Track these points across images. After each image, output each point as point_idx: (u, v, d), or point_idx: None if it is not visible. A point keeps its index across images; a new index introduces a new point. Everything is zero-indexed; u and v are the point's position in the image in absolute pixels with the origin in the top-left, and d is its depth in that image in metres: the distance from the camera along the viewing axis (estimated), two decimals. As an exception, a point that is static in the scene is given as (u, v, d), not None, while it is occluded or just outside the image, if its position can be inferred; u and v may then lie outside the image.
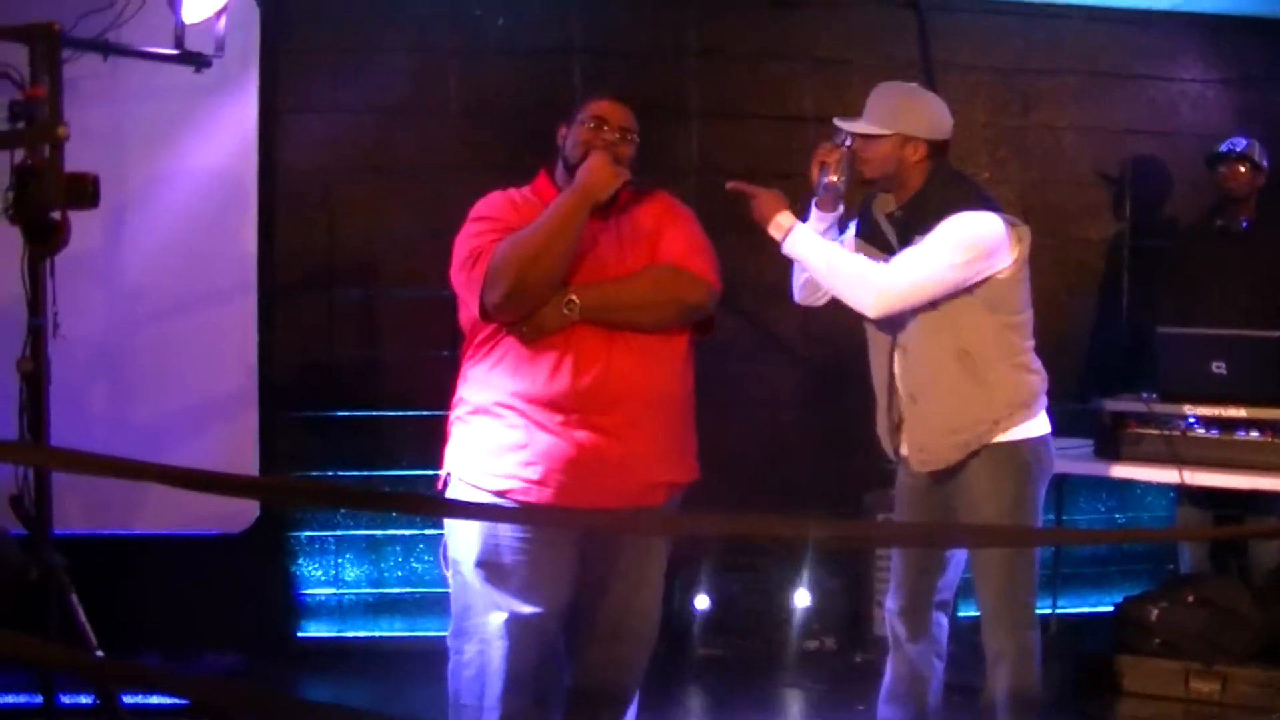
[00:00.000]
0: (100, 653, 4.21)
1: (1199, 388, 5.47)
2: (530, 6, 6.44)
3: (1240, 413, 5.39)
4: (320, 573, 6.40)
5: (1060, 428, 6.06)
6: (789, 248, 4.44)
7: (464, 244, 3.94)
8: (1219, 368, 5.44)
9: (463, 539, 3.94)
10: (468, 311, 3.94)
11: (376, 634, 6.39)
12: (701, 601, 6.21)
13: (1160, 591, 5.95)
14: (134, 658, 5.57)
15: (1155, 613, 5.78)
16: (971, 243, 4.27)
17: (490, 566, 3.89)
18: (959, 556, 4.62)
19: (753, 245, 6.42)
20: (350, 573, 6.41)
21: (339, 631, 6.40)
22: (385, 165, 6.39)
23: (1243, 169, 6.16)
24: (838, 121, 4.50)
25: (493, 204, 4.03)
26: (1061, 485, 6.11)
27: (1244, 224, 6.20)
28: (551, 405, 3.81)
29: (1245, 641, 5.63)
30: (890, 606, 4.67)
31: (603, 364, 3.83)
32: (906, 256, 4.30)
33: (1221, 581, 5.90)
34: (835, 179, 4.46)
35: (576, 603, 4.00)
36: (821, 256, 4.39)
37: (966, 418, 4.38)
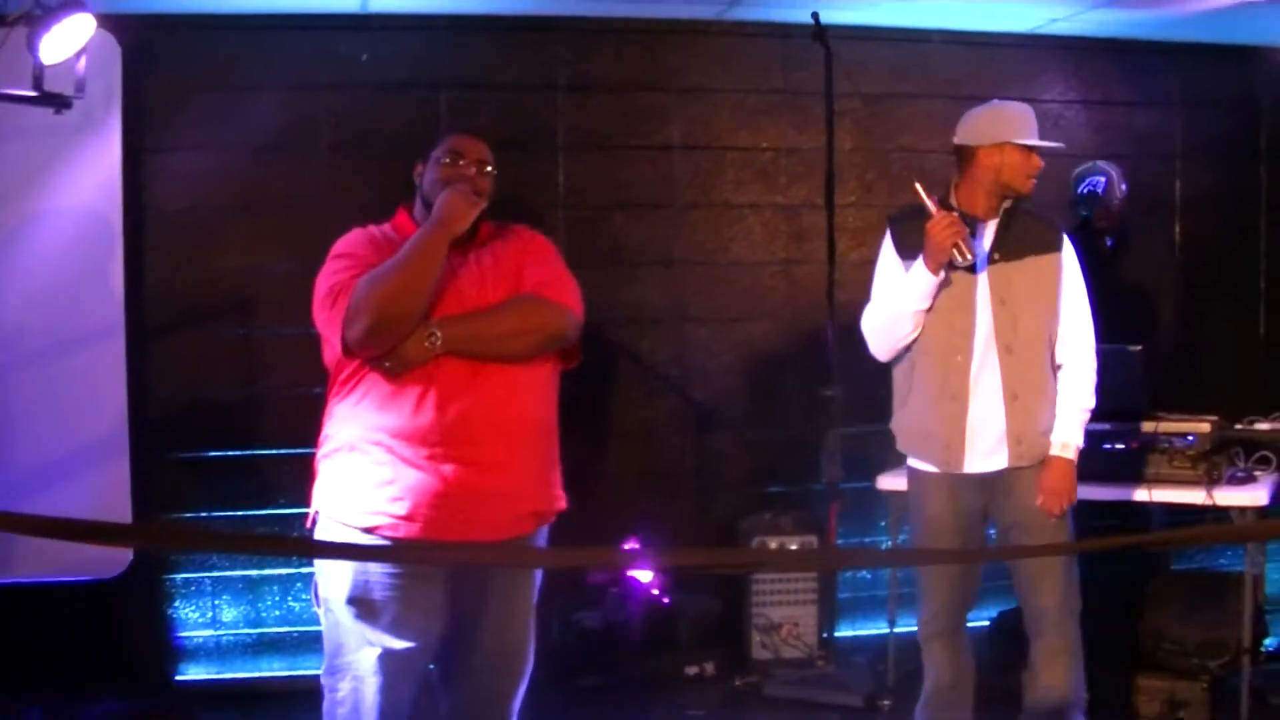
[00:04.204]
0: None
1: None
2: (398, 42, 6.44)
3: (1103, 426, 5.50)
4: (197, 615, 6.34)
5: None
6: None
7: (324, 281, 3.94)
8: (1081, 381, 5.53)
9: (333, 577, 3.93)
10: (331, 349, 3.93)
11: (256, 674, 6.33)
12: (581, 629, 6.22)
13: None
14: (12, 707, 5.50)
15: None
16: None
17: (361, 603, 3.88)
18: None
19: (625, 276, 6.48)
20: (228, 613, 6.36)
21: (218, 673, 6.33)
22: (256, 202, 6.36)
23: (1113, 207, 6.33)
24: (1042, 144, 4.82)
25: (352, 241, 4.04)
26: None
27: (1109, 243, 6.32)
28: (417, 439, 3.82)
29: (1120, 650, 5.74)
30: (930, 631, 4.88)
31: (467, 396, 3.84)
32: (1084, 313, 4.81)
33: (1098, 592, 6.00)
34: (970, 253, 4.64)
35: (449, 635, 4.00)
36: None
37: (1053, 419, 4.73)
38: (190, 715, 5.94)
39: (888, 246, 4.85)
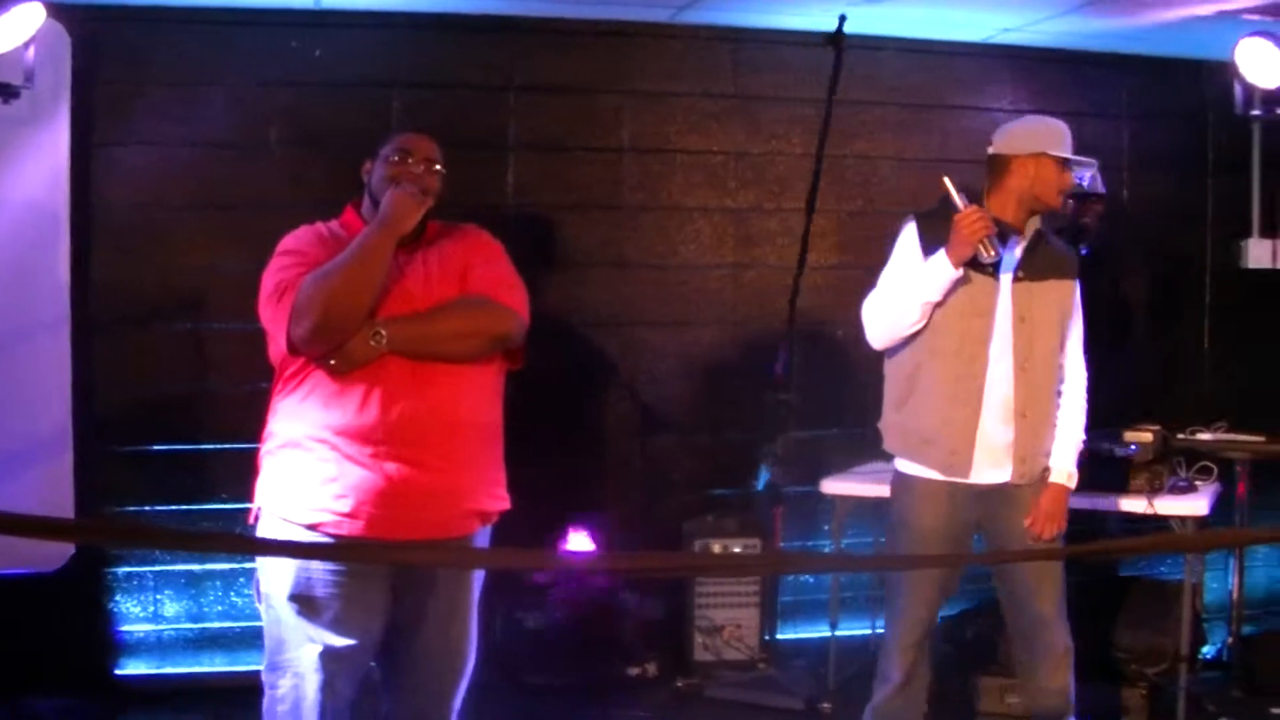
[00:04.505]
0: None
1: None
2: (352, 39, 6.42)
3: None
4: (139, 609, 6.29)
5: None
6: None
7: (271, 278, 3.93)
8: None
9: (275, 573, 3.93)
10: (276, 345, 3.92)
11: (198, 670, 6.30)
12: (523, 629, 6.21)
13: (977, 610, 6.09)
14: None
15: (970, 631, 5.93)
16: None
17: (303, 600, 3.88)
18: None
19: (573, 278, 6.47)
20: (169, 608, 6.32)
21: (159, 668, 6.29)
22: (206, 198, 6.31)
23: (1099, 206, 6.37)
24: (1078, 159, 4.82)
25: (300, 238, 4.03)
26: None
27: (1084, 250, 6.36)
28: (361, 437, 3.81)
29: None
30: (910, 641, 4.89)
31: (412, 395, 3.84)
32: (1081, 345, 4.92)
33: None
34: (996, 251, 4.62)
35: (390, 633, 4.00)
36: None
37: (1052, 442, 4.81)
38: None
39: (910, 240, 4.81)
